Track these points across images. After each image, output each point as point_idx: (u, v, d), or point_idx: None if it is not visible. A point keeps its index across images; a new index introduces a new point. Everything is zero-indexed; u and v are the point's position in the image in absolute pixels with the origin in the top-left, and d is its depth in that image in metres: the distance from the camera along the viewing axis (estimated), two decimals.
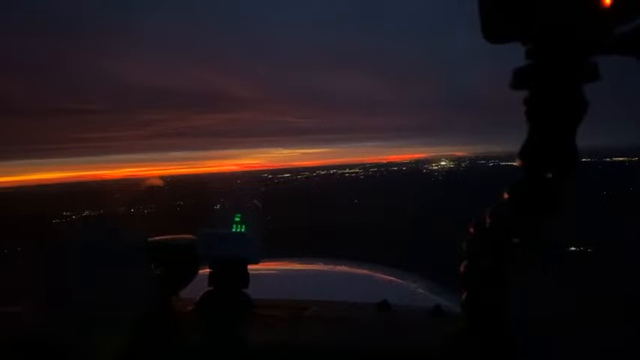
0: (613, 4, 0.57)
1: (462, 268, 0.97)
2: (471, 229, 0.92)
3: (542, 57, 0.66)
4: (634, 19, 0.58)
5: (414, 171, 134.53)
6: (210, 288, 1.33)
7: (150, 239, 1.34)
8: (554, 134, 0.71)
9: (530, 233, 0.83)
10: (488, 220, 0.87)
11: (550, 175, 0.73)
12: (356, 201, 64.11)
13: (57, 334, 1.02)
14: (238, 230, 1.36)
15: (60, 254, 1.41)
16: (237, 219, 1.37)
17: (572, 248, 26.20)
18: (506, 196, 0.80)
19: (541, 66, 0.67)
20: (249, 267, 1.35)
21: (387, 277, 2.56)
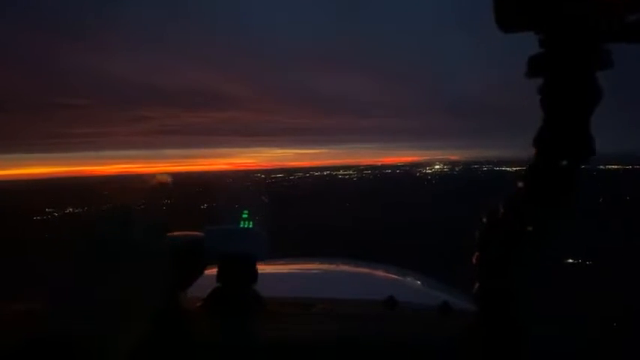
0: None
1: (474, 259, 0.96)
2: (484, 220, 0.92)
3: (556, 45, 0.68)
4: None
5: (408, 174, 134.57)
6: (219, 284, 1.32)
7: (159, 236, 1.31)
8: (569, 122, 0.72)
9: (544, 221, 0.83)
10: (501, 210, 0.87)
11: (565, 163, 0.74)
12: (347, 204, 63.74)
13: (66, 331, 1.00)
14: (246, 226, 1.35)
15: (66, 250, 1.28)
16: (244, 215, 1.35)
17: (570, 260, 25.36)
18: (520, 184, 0.81)
19: (555, 54, 0.68)
20: (259, 264, 1.33)
21: (392, 274, 2.52)
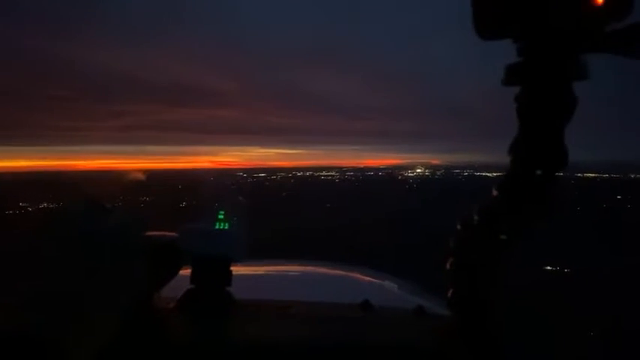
0: (604, 3, 0.60)
1: (447, 265, 0.96)
2: (459, 227, 0.91)
3: (534, 54, 0.68)
4: (624, 18, 0.61)
5: (390, 177, 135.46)
6: (192, 286, 1.31)
7: (132, 235, 1.27)
8: (544, 131, 0.72)
9: (518, 230, 0.83)
10: (476, 217, 0.87)
11: (539, 172, 0.74)
12: (328, 205, 63.91)
13: (35, 329, 0.98)
14: (221, 227, 1.33)
15: (37, 247, 1.22)
16: (220, 216, 1.33)
17: (548, 267, 25.60)
18: (495, 193, 0.81)
19: (532, 63, 0.68)
20: (233, 266, 1.32)
21: (368, 278, 2.49)
